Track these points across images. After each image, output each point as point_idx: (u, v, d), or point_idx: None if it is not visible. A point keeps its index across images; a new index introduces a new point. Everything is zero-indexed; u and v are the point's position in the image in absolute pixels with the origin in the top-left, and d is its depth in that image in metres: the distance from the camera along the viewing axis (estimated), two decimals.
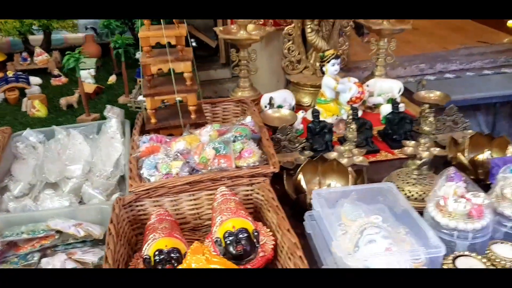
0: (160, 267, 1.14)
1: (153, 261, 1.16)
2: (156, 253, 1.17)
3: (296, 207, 1.44)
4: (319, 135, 1.79)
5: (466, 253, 1.11)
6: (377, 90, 2.14)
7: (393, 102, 1.92)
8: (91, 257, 1.18)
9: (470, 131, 1.78)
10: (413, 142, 1.65)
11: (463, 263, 1.08)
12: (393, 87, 2.11)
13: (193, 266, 1.03)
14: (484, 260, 1.08)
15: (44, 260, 1.16)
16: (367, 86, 2.14)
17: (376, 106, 2.12)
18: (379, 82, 2.15)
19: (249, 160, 1.43)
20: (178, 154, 1.46)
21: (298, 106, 2.14)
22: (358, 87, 2.03)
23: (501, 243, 1.12)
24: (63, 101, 2.11)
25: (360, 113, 1.97)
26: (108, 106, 1.83)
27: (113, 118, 1.79)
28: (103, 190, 1.50)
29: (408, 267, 1.09)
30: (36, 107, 2.07)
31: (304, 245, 1.24)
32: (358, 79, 2.10)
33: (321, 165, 1.55)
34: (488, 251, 1.10)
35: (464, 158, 1.53)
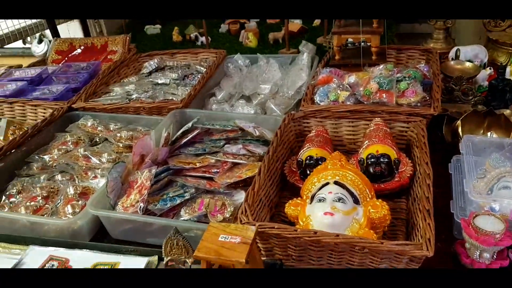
0: (308, 171, 1.38)
1: (304, 164, 1.42)
2: (308, 158, 1.42)
3: (449, 151, 1.50)
4: (500, 93, 1.74)
5: None
6: None
7: None
8: (259, 150, 1.50)
9: None
10: None
11: None
12: None
13: (329, 167, 1.24)
14: None
15: (226, 145, 1.53)
16: None
17: None
18: None
19: (411, 100, 1.54)
20: (348, 86, 1.65)
21: (492, 65, 2.06)
22: None
23: None
24: (270, 36, 2.48)
25: None
26: (303, 42, 2.11)
27: (305, 52, 2.06)
28: (283, 107, 1.81)
29: None
30: (249, 39, 2.49)
31: (444, 184, 1.34)
32: None
33: (488, 119, 1.55)
34: None
35: None
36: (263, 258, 1.12)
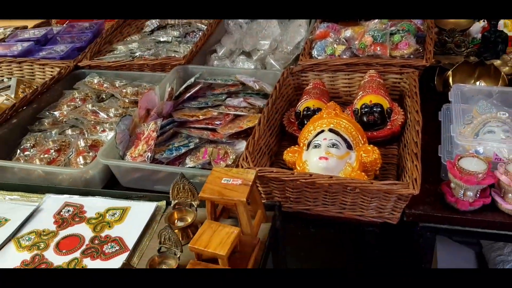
0: (305, 121, 1.45)
1: (302, 114, 1.49)
2: (305, 109, 1.49)
3: (440, 100, 1.57)
4: (492, 44, 1.79)
5: None
6: None
7: None
8: (259, 103, 1.57)
9: None
10: None
11: None
12: None
13: (324, 116, 1.32)
14: None
15: (228, 99, 1.60)
16: None
17: None
18: None
19: (404, 52, 1.60)
20: (344, 40, 1.71)
21: None
22: None
23: None
24: None
25: None
26: None
27: None
28: (282, 62, 1.86)
29: None
30: None
31: (435, 131, 1.42)
32: None
33: (479, 69, 1.61)
34: None
35: None
36: (263, 201, 1.22)
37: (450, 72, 1.57)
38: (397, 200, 1.16)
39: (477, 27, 1.91)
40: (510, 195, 1.15)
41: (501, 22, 1.94)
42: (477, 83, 1.56)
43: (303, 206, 1.26)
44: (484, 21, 1.94)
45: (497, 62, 1.66)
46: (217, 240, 1.00)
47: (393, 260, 1.48)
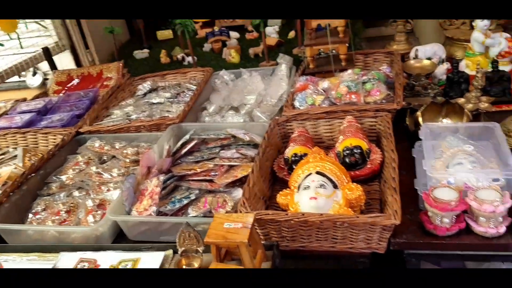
0: (294, 166, 1.60)
1: (290, 160, 1.64)
2: (293, 155, 1.64)
3: (413, 138, 1.73)
4: (456, 84, 1.99)
5: None
6: None
7: (493, 61, 1.95)
8: (251, 153, 1.72)
9: None
10: None
11: None
12: None
13: (311, 160, 1.47)
14: None
15: (221, 151, 1.75)
16: None
17: None
18: None
19: (376, 98, 1.78)
20: (322, 91, 1.89)
21: (451, 60, 2.31)
22: (509, 42, 2.10)
23: None
24: (251, 51, 2.71)
25: (510, 67, 2.08)
26: (281, 54, 2.34)
27: (283, 63, 2.30)
28: (268, 114, 2.03)
29: (487, 185, 1.33)
30: (232, 55, 2.72)
31: (411, 167, 1.56)
32: None
33: (445, 108, 1.78)
34: None
35: None
36: (262, 242, 1.34)
37: (419, 113, 1.74)
38: (382, 231, 1.29)
39: (442, 69, 2.11)
40: (481, 218, 1.29)
41: (463, 63, 2.15)
42: (444, 120, 1.73)
43: (299, 243, 1.38)
44: (447, 63, 2.15)
45: (461, 100, 1.84)
46: None
47: None
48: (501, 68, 2.00)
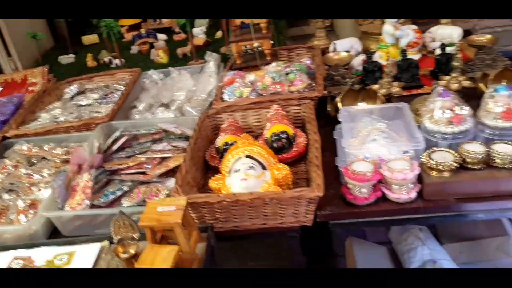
0: (225, 154, 1.67)
1: (222, 149, 1.70)
2: (224, 144, 1.71)
3: (334, 123, 1.86)
4: (371, 73, 2.15)
5: (443, 148, 1.45)
6: (438, 36, 2.38)
7: (402, 50, 2.15)
8: (183, 144, 1.76)
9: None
10: (448, 76, 1.94)
11: (437, 155, 1.43)
12: (453, 33, 2.34)
13: (240, 145, 1.55)
14: (453, 151, 1.42)
15: (153, 145, 1.78)
16: (429, 32, 2.39)
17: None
18: (440, 29, 2.38)
19: (299, 87, 1.90)
20: (249, 83, 1.98)
21: (367, 52, 2.49)
22: (416, 33, 2.31)
23: (472, 142, 1.44)
24: (179, 51, 2.76)
25: (418, 56, 2.29)
26: (208, 52, 2.41)
27: (211, 61, 2.37)
28: (199, 109, 2.09)
29: (398, 156, 1.47)
30: (160, 56, 2.75)
31: (333, 148, 1.68)
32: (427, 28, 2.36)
33: (361, 94, 1.93)
34: (459, 147, 1.43)
35: (483, 86, 1.79)
36: (197, 225, 1.39)
37: (338, 99, 1.88)
38: (308, 204, 1.39)
39: (358, 60, 2.28)
40: (394, 186, 1.42)
41: (377, 54, 2.33)
42: (360, 104, 1.87)
43: (232, 224, 1.45)
44: (363, 55, 2.32)
45: (375, 86, 2.00)
46: (160, 258, 1.16)
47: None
48: (410, 57, 2.19)
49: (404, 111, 1.69)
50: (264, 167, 1.50)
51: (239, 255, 1.99)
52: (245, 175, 1.43)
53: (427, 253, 1.77)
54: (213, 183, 1.51)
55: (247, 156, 1.50)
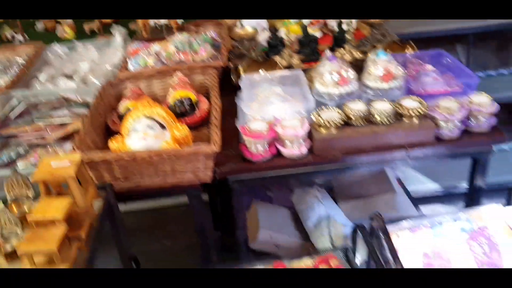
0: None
1: (123, 114, 1.71)
2: (126, 109, 1.72)
3: (237, 89, 1.94)
4: (275, 47, 2.25)
5: (330, 108, 1.58)
6: None
7: (304, 28, 2.29)
8: (84, 111, 1.75)
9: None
10: (342, 49, 2.08)
11: (325, 114, 1.55)
12: None
13: (140, 107, 1.57)
14: (339, 110, 1.54)
15: (53, 112, 1.75)
16: None
17: None
18: None
19: (203, 56, 1.95)
20: (154, 53, 2.00)
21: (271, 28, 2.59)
22: None
23: (355, 101, 1.57)
24: (86, 27, 2.70)
25: (319, 34, 2.42)
26: (114, 25, 2.39)
27: (118, 34, 2.35)
28: (103, 80, 2.07)
29: (291, 116, 1.57)
30: (66, 32, 2.67)
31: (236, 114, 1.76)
32: None
33: (264, 64, 2.03)
34: (344, 106, 1.56)
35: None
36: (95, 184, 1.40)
37: (241, 67, 1.96)
38: (206, 160, 1.45)
39: (263, 36, 2.37)
40: (287, 142, 1.53)
41: (281, 30, 2.43)
42: (261, 72, 1.97)
43: (133, 182, 1.48)
44: (268, 31, 2.42)
45: (277, 58, 2.10)
46: (52, 209, 1.16)
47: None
48: (311, 33, 2.32)
49: (300, 77, 1.80)
50: (163, 127, 1.53)
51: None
52: (143, 134, 1.46)
53: (323, 210, 1.91)
54: (113, 143, 1.51)
55: (147, 117, 1.53)
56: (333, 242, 1.81)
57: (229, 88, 1.95)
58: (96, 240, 1.24)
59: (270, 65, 2.02)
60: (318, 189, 1.99)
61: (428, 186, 2.64)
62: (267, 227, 1.92)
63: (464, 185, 2.20)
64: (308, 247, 1.88)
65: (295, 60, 2.10)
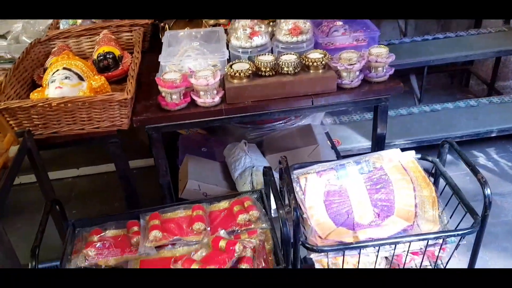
0: None
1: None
2: (50, 64, 1.79)
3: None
4: None
5: (242, 60, 1.68)
6: None
7: None
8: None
9: None
10: None
11: (237, 66, 1.65)
12: None
13: (59, 60, 1.64)
14: (250, 62, 1.65)
15: None
16: None
17: None
18: None
19: None
20: None
21: None
22: None
23: (265, 54, 1.68)
24: None
25: None
26: None
27: None
28: (36, 39, 2.12)
29: (206, 67, 1.67)
30: None
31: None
32: None
33: (191, 24, 2.11)
34: (255, 58, 1.67)
35: None
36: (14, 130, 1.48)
37: (167, 26, 2.04)
38: (121, 108, 1.55)
39: None
40: (201, 92, 1.62)
41: None
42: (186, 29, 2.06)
43: (51, 130, 1.56)
44: None
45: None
46: None
47: None
48: None
49: (220, 34, 1.89)
50: (81, 78, 1.62)
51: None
52: (59, 83, 1.54)
53: (249, 161, 2.03)
54: (33, 95, 1.59)
55: (64, 68, 1.61)
56: (254, 188, 1.94)
57: (159, 45, 2.03)
58: (9, 178, 1.32)
59: (197, 24, 2.10)
60: (246, 143, 2.11)
61: (363, 144, 2.80)
62: (195, 178, 2.03)
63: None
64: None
65: (222, 20, 2.19)
